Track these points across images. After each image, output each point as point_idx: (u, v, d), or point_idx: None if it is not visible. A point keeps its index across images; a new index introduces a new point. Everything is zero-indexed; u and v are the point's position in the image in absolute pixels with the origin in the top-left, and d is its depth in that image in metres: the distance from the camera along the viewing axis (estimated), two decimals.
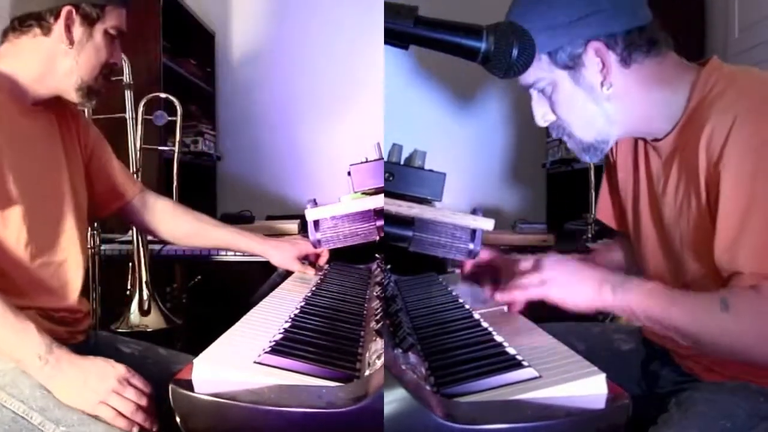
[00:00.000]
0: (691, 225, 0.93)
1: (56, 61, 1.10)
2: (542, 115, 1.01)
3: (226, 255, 2.05)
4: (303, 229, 2.35)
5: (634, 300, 0.86)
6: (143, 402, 0.90)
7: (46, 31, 1.08)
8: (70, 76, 1.11)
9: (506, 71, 0.72)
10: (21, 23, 1.09)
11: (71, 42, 1.09)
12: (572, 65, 0.94)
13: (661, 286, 0.87)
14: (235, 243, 1.43)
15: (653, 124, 0.98)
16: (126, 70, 1.94)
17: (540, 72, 0.95)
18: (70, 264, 1.12)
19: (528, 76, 0.96)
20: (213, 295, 2.26)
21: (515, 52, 0.70)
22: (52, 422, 0.88)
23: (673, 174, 0.97)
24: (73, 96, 1.14)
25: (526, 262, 0.95)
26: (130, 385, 0.91)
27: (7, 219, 1.02)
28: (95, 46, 1.12)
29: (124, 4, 1.16)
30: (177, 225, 1.38)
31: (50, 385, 0.89)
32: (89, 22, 1.10)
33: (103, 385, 0.89)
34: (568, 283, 0.90)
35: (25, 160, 1.05)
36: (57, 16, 1.08)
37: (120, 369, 0.92)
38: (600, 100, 0.95)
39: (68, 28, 1.08)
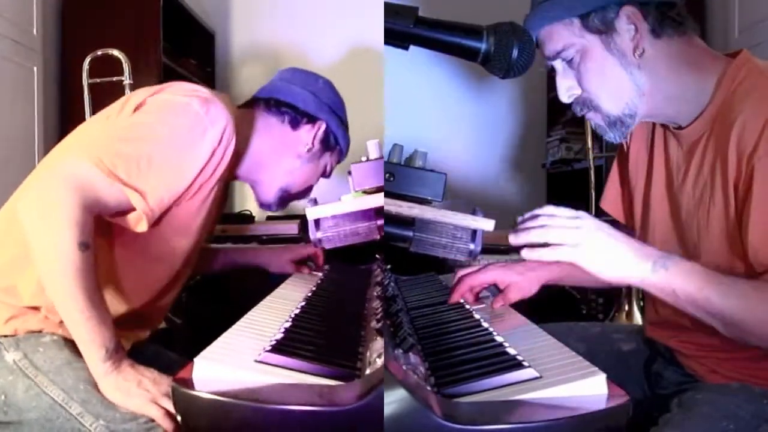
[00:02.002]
0: (710, 216, 0.91)
1: (285, 156, 1.20)
2: (567, 89, 0.98)
3: None
4: (303, 229, 2.35)
5: (676, 280, 0.80)
6: None
7: (295, 125, 1.19)
8: (285, 175, 1.22)
9: (506, 71, 0.72)
10: (277, 104, 1.19)
11: (308, 150, 1.21)
12: (604, 30, 0.92)
13: (705, 269, 0.81)
14: (233, 260, 1.48)
15: (678, 107, 0.95)
16: (126, 69, 1.93)
17: (570, 37, 0.93)
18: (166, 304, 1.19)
19: (557, 43, 0.95)
20: (213, 295, 2.25)
21: (515, 52, 0.70)
22: (92, 415, 0.88)
23: (694, 164, 0.95)
24: (271, 192, 1.23)
25: (559, 210, 0.85)
26: None
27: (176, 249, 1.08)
28: (317, 168, 1.25)
29: (345, 154, 1.29)
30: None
31: (103, 381, 0.89)
32: (325, 146, 1.23)
33: (156, 389, 0.89)
34: (605, 251, 0.81)
35: (215, 201, 1.11)
36: (310, 122, 1.20)
37: None
38: (631, 68, 0.93)
39: (313, 138, 1.20)
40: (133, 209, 0.93)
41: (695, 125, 0.94)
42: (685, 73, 0.93)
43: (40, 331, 0.98)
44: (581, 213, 0.84)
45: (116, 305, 1.04)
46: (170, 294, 1.17)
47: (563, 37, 0.94)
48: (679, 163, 0.99)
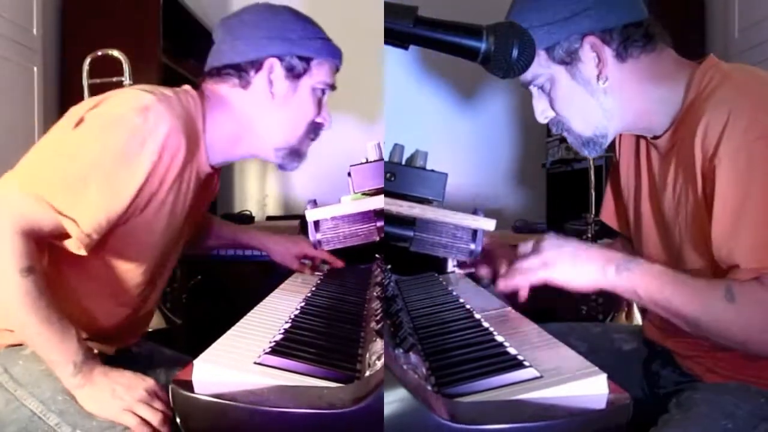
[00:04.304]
0: (689, 218, 0.94)
1: (254, 117, 1.07)
2: (542, 112, 1.03)
3: (226, 254, 2.05)
4: (303, 230, 2.35)
5: (638, 281, 0.85)
6: (169, 414, 0.90)
7: (245, 83, 1.06)
8: (270, 133, 1.09)
9: (506, 71, 0.72)
10: (219, 72, 1.07)
11: (273, 96, 1.07)
12: (569, 60, 0.95)
13: (667, 269, 0.86)
14: (237, 239, 1.45)
15: (651, 119, 0.98)
16: (126, 70, 1.93)
17: (538, 68, 0.97)
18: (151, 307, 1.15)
19: (526, 74, 0.97)
20: (213, 295, 2.26)
21: (515, 52, 0.70)
22: (69, 425, 0.88)
23: (671, 169, 0.97)
24: (271, 156, 1.10)
25: (524, 246, 0.94)
26: (158, 397, 0.91)
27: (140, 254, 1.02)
28: (300, 103, 1.09)
29: (333, 57, 1.12)
30: (197, 232, 1.34)
31: (77, 393, 0.89)
32: (294, 75, 1.08)
33: (131, 395, 0.89)
34: (572, 263, 0.88)
35: (176, 205, 1.03)
36: (259, 69, 1.06)
37: (149, 382, 0.92)
38: (597, 94, 0.96)
39: (271, 82, 1.07)
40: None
41: (668, 133, 0.97)
42: (654, 87, 0.96)
43: (20, 345, 0.97)
44: (543, 237, 0.92)
45: (90, 326, 1.01)
46: (151, 298, 1.13)
47: (530, 68, 0.95)
48: (658, 172, 1.02)
